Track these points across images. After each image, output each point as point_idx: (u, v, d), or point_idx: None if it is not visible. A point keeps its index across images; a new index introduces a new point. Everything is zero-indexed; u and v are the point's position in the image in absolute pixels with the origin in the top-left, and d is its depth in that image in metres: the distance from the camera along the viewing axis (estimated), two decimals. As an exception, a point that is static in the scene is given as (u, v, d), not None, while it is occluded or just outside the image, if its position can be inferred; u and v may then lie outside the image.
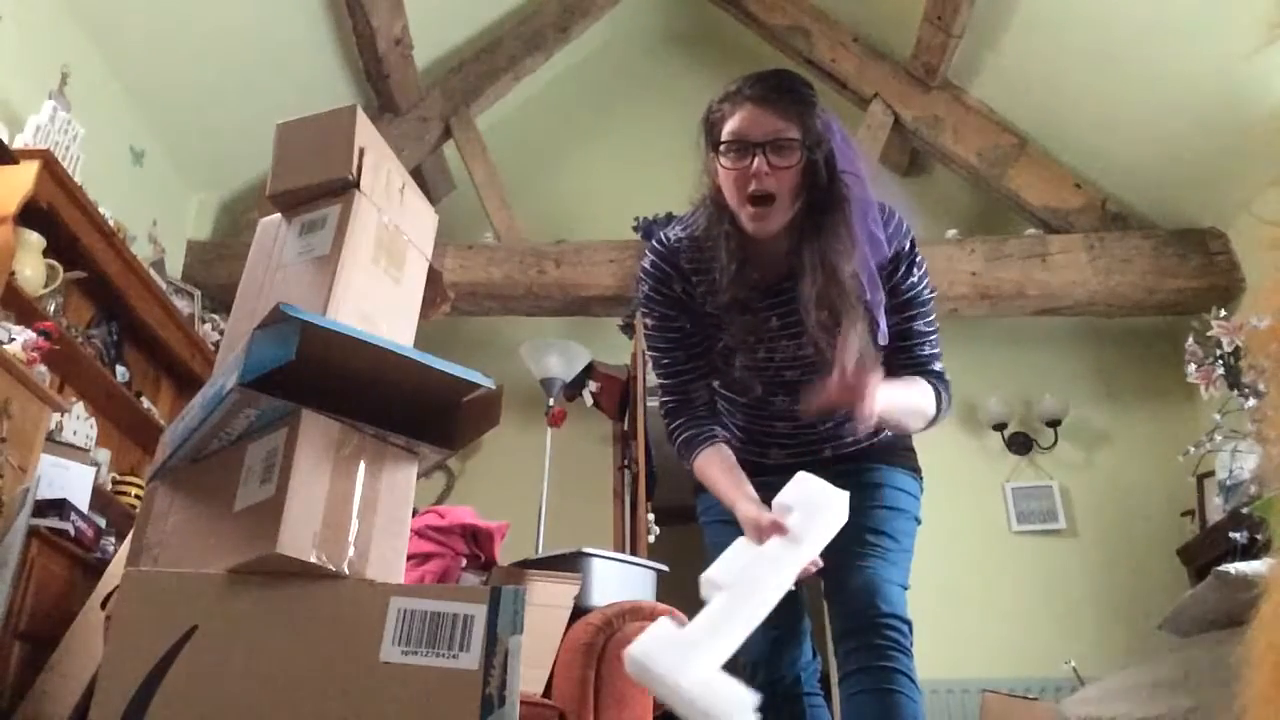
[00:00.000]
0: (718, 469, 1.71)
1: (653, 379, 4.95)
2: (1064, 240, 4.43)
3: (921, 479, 1.86)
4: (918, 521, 1.81)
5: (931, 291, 1.76)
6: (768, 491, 1.60)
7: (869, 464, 1.80)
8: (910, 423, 1.72)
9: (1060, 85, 4.38)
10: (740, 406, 1.84)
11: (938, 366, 1.76)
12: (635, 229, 4.56)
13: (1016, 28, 4.30)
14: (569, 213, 5.14)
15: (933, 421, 1.74)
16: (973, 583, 4.35)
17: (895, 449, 1.85)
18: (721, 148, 1.60)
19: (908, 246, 1.70)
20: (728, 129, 1.59)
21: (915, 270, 1.71)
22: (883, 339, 1.68)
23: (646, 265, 1.78)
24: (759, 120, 1.57)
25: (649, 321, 1.82)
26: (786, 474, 1.63)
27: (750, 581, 1.45)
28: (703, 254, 1.71)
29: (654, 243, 1.78)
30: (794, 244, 1.64)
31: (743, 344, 1.73)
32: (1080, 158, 4.58)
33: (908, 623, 1.61)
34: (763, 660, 1.83)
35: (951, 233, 4.63)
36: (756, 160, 1.56)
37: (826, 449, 1.82)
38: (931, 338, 1.75)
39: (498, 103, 5.19)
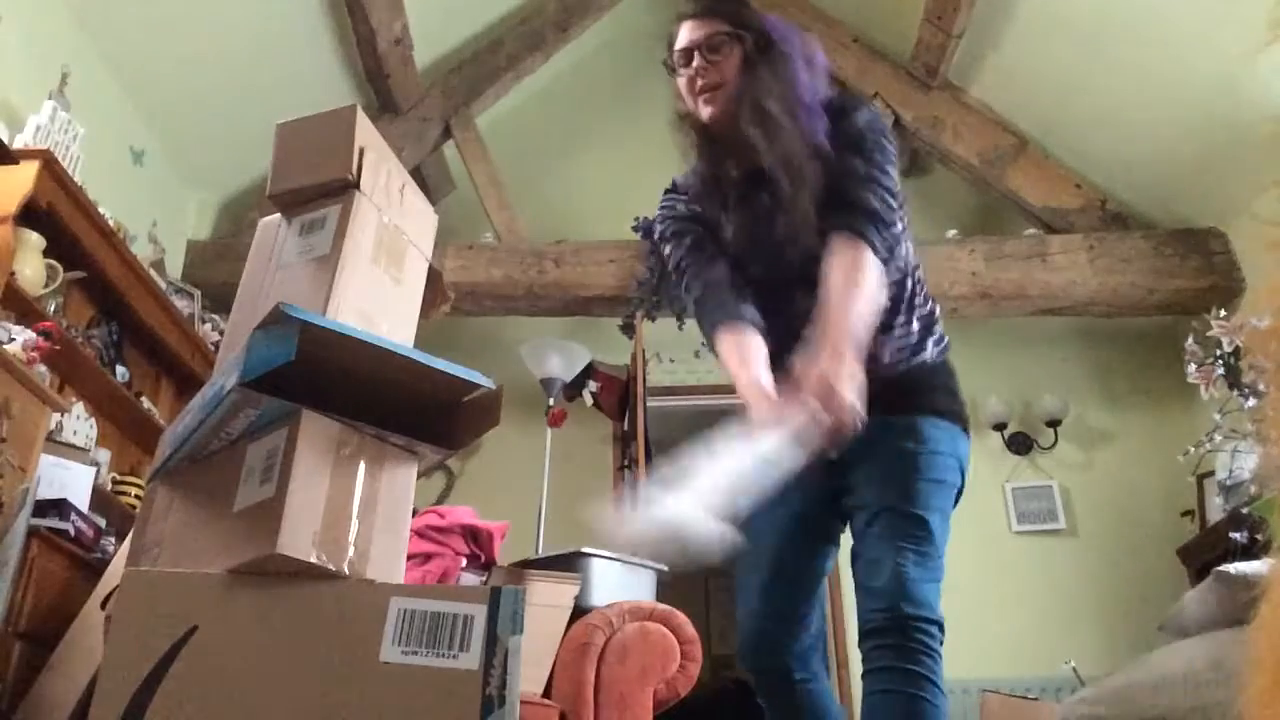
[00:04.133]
0: (730, 346, 1.69)
1: (653, 379, 4.92)
2: (1064, 240, 4.43)
3: (966, 429, 1.76)
4: (960, 489, 1.73)
5: (885, 140, 1.73)
6: None
7: (907, 416, 1.70)
8: (870, 317, 1.59)
9: (1060, 85, 4.38)
10: (771, 317, 1.75)
11: (873, 204, 1.64)
12: (635, 229, 4.56)
13: (1016, 28, 4.31)
14: (569, 213, 5.14)
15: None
16: (973, 583, 4.35)
17: (935, 387, 1.77)
18: (673, 62, 1.81)
19: (852, 101, 1.80)
20: (677, 45, 1.81)
21: (861, 113, 1.75)
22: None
23: (659, 207, 1.93)
24: (693, 29, 1.79)
25: (668, 250, 1.89)
26: None
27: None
28: (699, 178, 1.88)
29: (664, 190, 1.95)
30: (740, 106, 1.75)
31: (749, 238, 1.77)
32: (1080, 158, 4.59)
33: (937, 623, 1.57)
34: (748, 650, 1.78)
35: (951, 233, 4.63)
36: (696, 60, 1.77)
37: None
38: (873, 183, 1.67)
39: (498, 102, 5.20)
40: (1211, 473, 3.93)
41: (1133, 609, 4.19)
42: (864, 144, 1.71)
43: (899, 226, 1.71)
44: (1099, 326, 4.79)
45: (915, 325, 1.76)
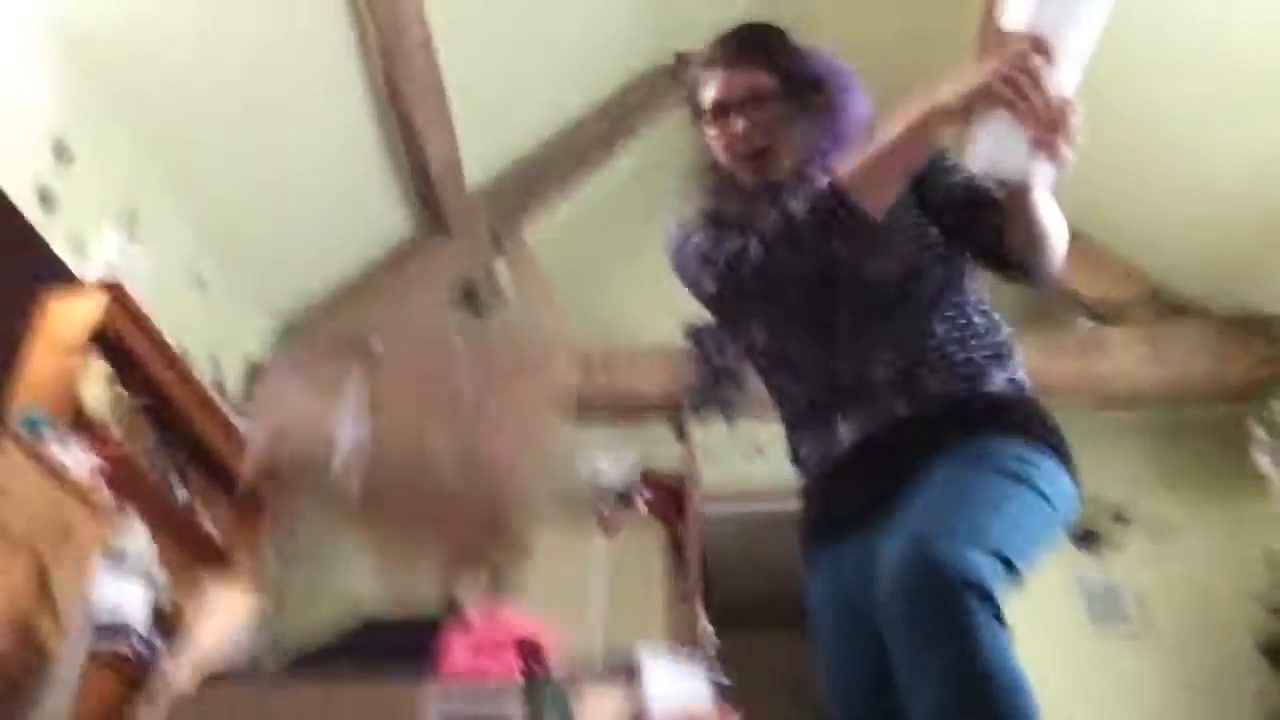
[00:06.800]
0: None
1: (706, 484, 4.82)
2: (1122, 332, 4.37)
3: (1061, 455, 1.40)
4: (1044, 498, 1.33)
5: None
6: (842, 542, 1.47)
7: (967, 432, 1.40)
8: (1057, 230, 1.41)
9: (1108, 174, 4.35)
10: (791, 382, 1.61)
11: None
12: (684, 335, 4.59)
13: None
14: (618, 320, 5.20)
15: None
16: (1045, 689, 4.17)
17: (1010, 411, 1.44)
18: (705, 118, 1.59)
19: None
20: (706, 97, 1.58)
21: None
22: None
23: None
24: (732, 80, 1.55)
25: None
26: (860, 465, 1.47)
27: None
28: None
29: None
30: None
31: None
32: (1131, 247, 4.54)
33: (981, 587, 1.14)
34: None
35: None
36: (737, 121, 1.54)
37: (899, 401, 1.46)
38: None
39: (546, 217, 5.32)
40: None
41: (1212, 710, 3.96)
42: (951, 166, 1.59)
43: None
44: (1162, 417, 4.66)
45: (975, 354, 1.49)
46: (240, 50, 3.65)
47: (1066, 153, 1.24)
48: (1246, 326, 4.26)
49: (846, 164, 1.38)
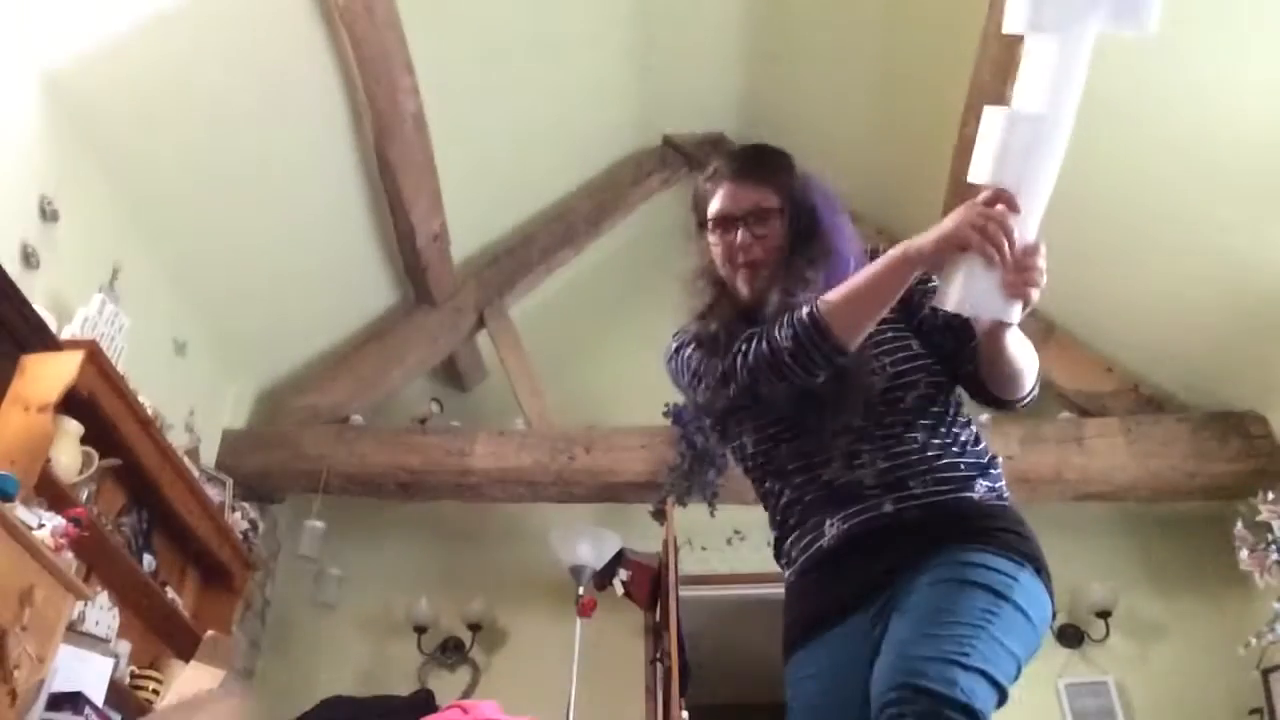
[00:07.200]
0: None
1: (685, 568, 4.78)
2: (1100, 424, 4.37)
3: (1039, 568, 1.49)
4: (1024, 614, 1.42)
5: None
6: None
7: (951, 542, 1.46)
8: (1029, 363, 1.51)
9: (1087, 269, 4.42)
10: (779, 486, 1.64)
11: None
12: (666, 414, 4.57)
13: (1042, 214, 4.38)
14: (600, 399, 5.17)
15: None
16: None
17: (991, 521, 1.51)
18: (709, 225, 1.68)
19: None
20: (712, 207, 1.68)
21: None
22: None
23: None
24: (738, 195, 1.65)
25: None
26: (845, 561, 1.52)
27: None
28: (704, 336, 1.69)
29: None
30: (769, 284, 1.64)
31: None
32: (1110, 341, 4.57)
33: (975, 713, 1.23)
34: None
35: (984, 416, 4.59)
36: (740, 233, 1.63)
37: (886, 501, 1.52)
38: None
39: (530, 293, 5.33)
40: (1278, 667, 3.71)
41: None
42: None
43: None
44: (1144, 512, 4.65)
45: (959, 462, 1.56)
46: (232, 117, 3.67)
47: (1033, 293, 1.35)
48: (1224, 422, 4.27)
49: (829, 295, 1.48)
